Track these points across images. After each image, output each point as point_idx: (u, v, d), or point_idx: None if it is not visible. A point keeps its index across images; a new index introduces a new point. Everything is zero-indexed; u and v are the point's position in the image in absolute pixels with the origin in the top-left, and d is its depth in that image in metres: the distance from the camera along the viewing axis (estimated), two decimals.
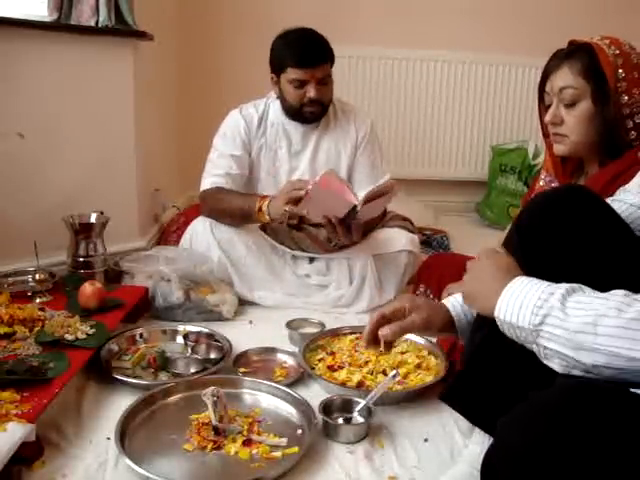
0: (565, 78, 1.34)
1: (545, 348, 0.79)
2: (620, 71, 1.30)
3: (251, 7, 3.15)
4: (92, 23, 2.04)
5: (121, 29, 2.10)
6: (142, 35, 2.16)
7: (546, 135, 1.47)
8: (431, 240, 2.81)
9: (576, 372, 0.78)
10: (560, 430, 0.68)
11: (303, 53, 1.98)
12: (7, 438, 1.10)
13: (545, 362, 0.81)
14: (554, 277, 0.84)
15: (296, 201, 1.80)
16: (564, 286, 0.80)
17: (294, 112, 2.08)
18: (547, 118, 1.39)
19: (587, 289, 0.80)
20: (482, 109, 3.45)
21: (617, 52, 1.31)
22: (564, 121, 1.37)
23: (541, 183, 1.56)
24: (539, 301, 0.79)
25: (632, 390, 0.78)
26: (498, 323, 0.85)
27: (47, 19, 2.01)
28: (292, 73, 1.99)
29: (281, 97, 2.09)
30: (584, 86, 1.32)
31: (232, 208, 2.01)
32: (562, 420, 0.69)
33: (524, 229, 0.99)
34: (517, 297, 0.82)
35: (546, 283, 0.82)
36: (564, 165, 1.50)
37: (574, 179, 1.49)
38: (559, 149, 1.41)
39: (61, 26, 2.02)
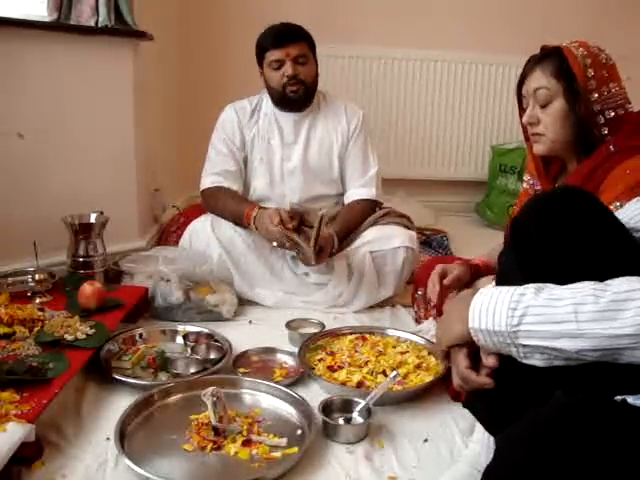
0: (538, 80, 1.41)
1: (524, 347, 0.81)
2: (589, 70, 1.37)
3: (251, 7, 3.14)
4: (92, 23, 2.04)
5: (121, 29, 2.10)
6: (142, 35, 2.16)
7: (527, 138, 1.53)
8: (431, 240, 2.81)
9: (557, 363, 0.80)
10: (560, 445, 0.68)
11: (276, 34, 2.09)
12: (7, 438, 1.10)
13: (524, 361, 0.83)
14: (550, 280, 0.84)
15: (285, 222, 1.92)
16: (532, 285, 0.83)
17: (279, 97, 2.14)
18: (524, 119, 1.46)
19: (552, 285, 0.82)
20: (482, 109, 3.45)
21: (585, 53, 1.38)
22: (540, 120, 1.43)
23: (525, 186, 1.61)
24: (512, 303, 0.81)
25: (630, 402, 0.78)
26: (472, 334, 0.87)
27: (47, 19, 2.00)
28: (270, 56, 2.09)
29: (267, 87, 2.17)
30: (556, 86, 1.39)
31: (227, 212, 2.11)
32: (562, 435, 0.69)
33: (520, 233, 0.99)
34: (488, 304, 0.84)
35: (513, 287, 0.84)
36: (547, 167, 1.55)
37: (558, 181, 1.54)
38: (538, 148, 1.47)
39: (61, 26, 2.01)
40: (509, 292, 0.83)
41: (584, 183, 1.34)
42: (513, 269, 0.96)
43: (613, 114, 1.37)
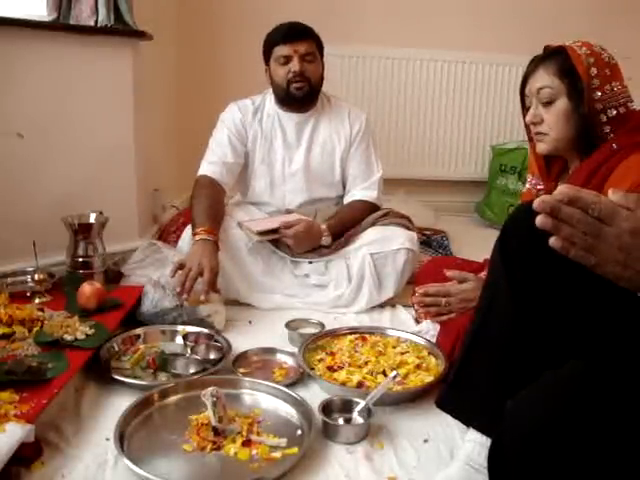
0: (541, 79, 1.42)
1: None
2: (593, 69, 1.38)
3: (251, 6, 3.14)
4: (91, 23, 2.03)
5: (120, 29, 2.10)
6: (141, 35, 2.16)
7: (530, 138, 1.54)
8: (431, 240, 2.81)
9: None
10: (575, 408, 0.68)
11: (286, 30, 2.12)
12: (6, 439, 1.09)
13: None
14: (539, 289, 0.83)
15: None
16: None
17: (283, 94, 2.14)
18: (528, 118, 1.47)
19: None
20: (482, 109, 3.45)
21: (588, 52, 1.39)
22: (544, 120, 1.44)
23: (528, 186, 1.62)
24: None
25: None
26: None
27: (46, 19, 2.00)
28: (278, 51, 2.11)
29: (272, 84, 2.18)
30: (559, 85, 1.40)
31: (192, 213, 2.04)
32: (574, 397, 0.69)
33: (507, 246, 0.98)
34: None
35: None
36: (549, 167, 1.55)
37: (560, 180, 1.54)
38: (541, 147, 1.48)
39: (60, 26, 2.01)
40: None
41: (587, 181, 1.35)
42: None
43: (615, 112, 1.38)
